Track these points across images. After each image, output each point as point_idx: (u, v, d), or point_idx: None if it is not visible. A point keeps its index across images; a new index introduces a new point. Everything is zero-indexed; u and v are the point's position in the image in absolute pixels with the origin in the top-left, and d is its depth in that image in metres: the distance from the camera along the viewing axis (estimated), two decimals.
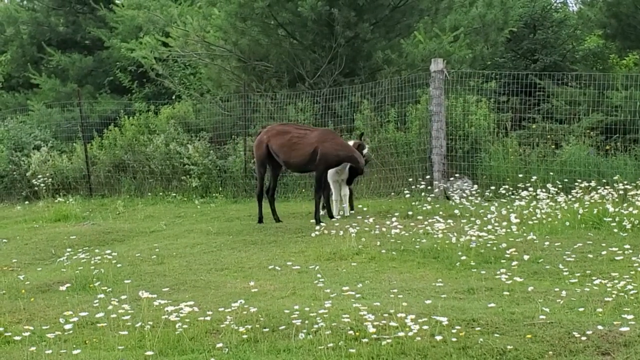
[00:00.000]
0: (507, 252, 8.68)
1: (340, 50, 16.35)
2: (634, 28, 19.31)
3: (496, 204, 11.66)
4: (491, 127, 14.65)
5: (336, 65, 16.56)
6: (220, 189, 16.41)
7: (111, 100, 22.51)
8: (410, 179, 13.82)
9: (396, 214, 11.37)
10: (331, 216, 11.96)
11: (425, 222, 10.61)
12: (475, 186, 13.28)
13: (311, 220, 11.86)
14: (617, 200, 11.05)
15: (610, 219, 9.97)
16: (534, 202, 11.28)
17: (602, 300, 6.61)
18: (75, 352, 5.81)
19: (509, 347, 5.57)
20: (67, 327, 6.39)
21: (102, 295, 7.27)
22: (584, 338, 5.60)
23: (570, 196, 11.41)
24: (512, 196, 12.14)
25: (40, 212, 15.77)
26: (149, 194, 17.05)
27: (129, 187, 17.70)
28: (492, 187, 12.97)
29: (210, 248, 10.58)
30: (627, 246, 8.54)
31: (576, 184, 11.89)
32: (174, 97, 19.96)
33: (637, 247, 8.69)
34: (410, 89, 15.21)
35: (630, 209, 10.36)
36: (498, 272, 7.72)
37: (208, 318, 6.48)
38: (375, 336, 5.82)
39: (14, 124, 19.82)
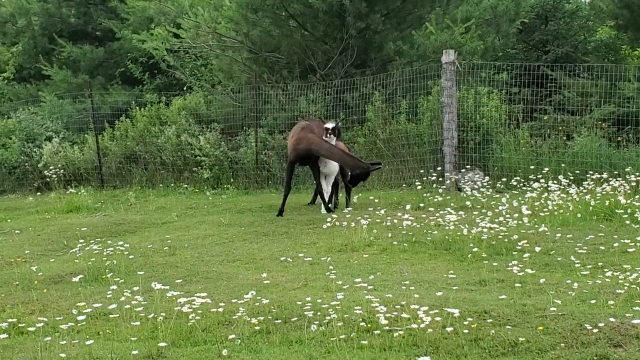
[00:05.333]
0: (519, 244, 8.67)
1: (352, 42, 16.34)
2: None
3: (508, 196, 11.64)
4: (503, 118, 14.62)
5: (348, 56, 16.55)
6: (232, 180, 16.44)
7: (123, 91, 22.57)
8: (422, 171, 13.81)
9: (408, 206, 11.36)
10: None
11: (437, 214, 10.61)
12: (487, 178, 13.26)
13: (322, 212, 11.94)
14: (629, 192, 11.01)
15: (622, 211, 9.95)
16: (546, 194, 11.26)
17: (614, 293, 6.60)
18: (88, 343, 5.84)
19: (521, 339, 5.58)
20: (81, 318, 6.43)
21: (115, 287, 7.30)
22: (596, 330, 5.60)
23: (582, 188, 11.37)
24: (524, 188, 12.12)
25: (52, 204, 15.83)
26: (161, 185, 17.10)
27: (141, 179, 17.76)
28: (504, 179, 12.95)
29: (222, 240, 10.60)
30: (639, 238, 8.52)
31: (588, 175, 11.85)
32: (185, 89, 20.01)
33: None
34: (421, 80, 15.20)
35: None
36: (510, 264, 7.71)
37: (221, 310, 6.50)
38: (387, 328, 5.83)
39: (25, 116, 19.88)
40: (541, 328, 5.74)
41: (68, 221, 13.39)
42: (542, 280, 7.13)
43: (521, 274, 7.29)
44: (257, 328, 6.12)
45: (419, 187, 12.82)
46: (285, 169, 12.96)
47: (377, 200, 12.13)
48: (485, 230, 9.30)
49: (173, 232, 11.57)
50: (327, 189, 12.31)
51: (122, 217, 13.57)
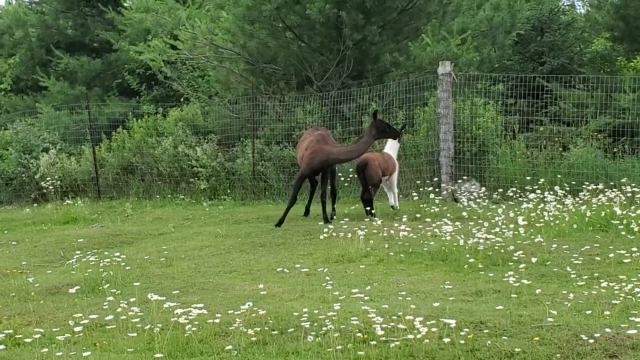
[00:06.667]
0: (515, 254, 8.69)
1: (348, 53, 16.38)
2: None
3: (504, 207, 11.66)
4: (499, 129, 14.67)
5: (344, 67, 16.59)
6: (229, 191, 16.46)
7: (119, 102, 22.59)
8: (418, 182, 13.83)
9: (404, 216, 11.38)
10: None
11: (433, 225, 10.63)
12: (483, 188, 13.28)
13: (320, 223, 11.95)
14: (624, 202, 11.05)
15: (617, 222, 9.97)
16: (542, 205, 11.28)
17: (609, 303, 6.62)
18: (85, 354, 5.85)
19: (516, 349, 5.59)
20: (77, 329, 6.41)
21: (111, 298, 7.30)
22: (591, 341, 5.61)
23: (577, 199, 11.41)
24: (520, 198, 12.14)
25: (48, 215, 15.82)
26: (157, 196, 17.10)
27: (137, 190, 17.76)
28: (500, 190, 12.96)
29: (218, 250, 10.61)
30: (634, 249, 8.54)
31: (584, 186, 11.88)
32: (182, 100, 20.03)
33: None
34: (418, 91, 15.24)
35: (638, 211, 10.36)
36: (506, 275, 7.73)
37: (217, 320, 6.50)
38: (383, 339, 5.84)
39: (22, 127, 19.90)
40: (537, 338, 5.75)
41: (64, 232, 13.39)
42: (537, 291, 7.15)
43: (517, 284, 7.31)
44: (254, 339, 6.13)
45: (415, 198, 12.83)
46: (295, 180, 12.69)
47: (373, 211, 12.15)
48: (482, 240, 9.32)
49: (169, 242, 11.57)
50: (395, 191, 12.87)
51: (118, 228, 13.57)
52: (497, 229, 10.00)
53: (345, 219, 11.61)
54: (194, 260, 9.98)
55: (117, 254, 10.07)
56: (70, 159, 18.92)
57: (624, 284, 7.21)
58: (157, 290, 7.97)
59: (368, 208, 12.41)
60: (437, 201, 12.54)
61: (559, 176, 13.00)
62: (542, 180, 12.55)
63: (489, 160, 14.28)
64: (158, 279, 8.91)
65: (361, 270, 8.82)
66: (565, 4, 24.02)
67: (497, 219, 10.75)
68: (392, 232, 10.40)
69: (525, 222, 10.35)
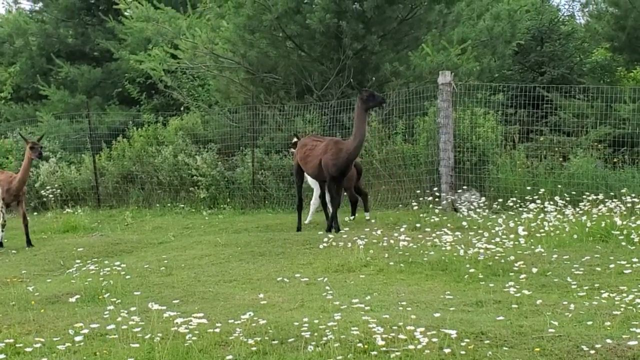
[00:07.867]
0: (515, 264, 8.68)
1: (348, 63, 16.41)
2: None
3: (504, 217, 11.66)
4: (499, 139, 14.68)
5: (344, 77, 16.61)
6: (228, 200, 16.47)
7: (120, 111, 22.63)
8: (418, 191, 13.83)
9: (404, 226, 11.37)
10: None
11: (433, 235, 10.61)
12: (483, 198, 13.28)
13: (319, 232, 11.94)
14: (625, 213, 11.05)
15: (618, 232, 9.97)
16: (542, 215, 11.28)
17: (610, 314, 6.61)
18: None
19: None
20: (77, 338, 6.39)
21: (111, 307, 7.29)
22: (592, 352, 5.60)
23: (578, 209, 11.41)
24: (520, 209, 12.14)
25: (48, 223, 15.83)
26: (157, 205, 17.10)
27: (137, 198, 17.77)
28: (500, 200, 12.96)
29: (218, 259, 10.59)
30: (635, 259, 8.54)
31: (584, 196, 11.89)
32: (182, 109, 20.06)
33: None
34: (418, 101, 15.25)
35: (639, 222, 10.35)
36: (506, 285, 7.72)
37: (217, 330, 6.48)
38: (384, 349, 5.83)
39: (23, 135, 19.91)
40: (538, 349, 5.74)
41: (64, 241, 13.39)
42: (538, 301, 7.14)
43: (518, 294, 7.31)
44: (254, 349, 6.11)
45: (415, 207, 12.83)
46: (331, 187, 12.04)
47: (373, 221, 12.16)
48: (482, 250, 9.31)
49: (169, 251, 11.56)
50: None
51: (118, 236, 13.56)
52: (498, 239, 9.99)
53: (345, 229, 11.60)
54: (194, 270, 9.97)
55: (117, 263, 10.06)
56: (71, 168, 18.94)
57: (624, 294, 7.20)
58: (157, 299, 7.96)
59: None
60: (437, 211, 12.54)
61: (559, 186, 13.01)
62: (542, 190, 12.55)
63: (489, 170, 14.29)
64: (158, 288, 8.90)
65: (361, 280, 8.81)
66: (565, 14, 24.11)
67: (497, 229, 10.74)
68: (392, 241, 10.39)
69: (526, 232, 10.34)
